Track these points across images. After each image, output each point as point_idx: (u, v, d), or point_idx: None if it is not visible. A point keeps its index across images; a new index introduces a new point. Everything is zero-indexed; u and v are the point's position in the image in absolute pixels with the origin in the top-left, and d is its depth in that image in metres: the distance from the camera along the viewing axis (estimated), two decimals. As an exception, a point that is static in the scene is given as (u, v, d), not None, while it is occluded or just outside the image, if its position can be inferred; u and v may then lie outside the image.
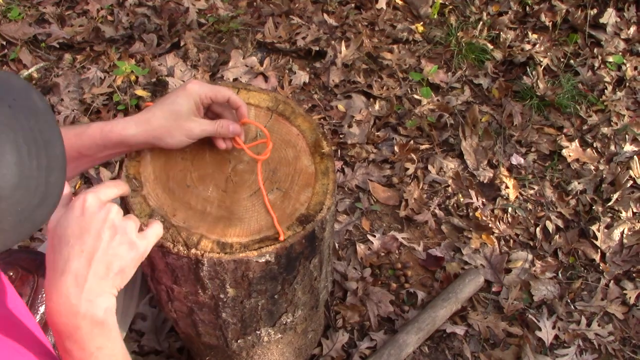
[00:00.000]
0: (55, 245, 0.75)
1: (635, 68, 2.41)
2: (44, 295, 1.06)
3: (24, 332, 0.78)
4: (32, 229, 0.65)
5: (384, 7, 2.58)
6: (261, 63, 2.39)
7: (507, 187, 2.04)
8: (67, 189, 0.83)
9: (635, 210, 2.00)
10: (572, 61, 2.43)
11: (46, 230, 1.23)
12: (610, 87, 2.33)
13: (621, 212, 1.99)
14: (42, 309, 1.05)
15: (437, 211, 1.99)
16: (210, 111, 1.07)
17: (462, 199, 2.01)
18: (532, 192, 2.05)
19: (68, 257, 0.74)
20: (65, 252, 0.74)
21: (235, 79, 2.31)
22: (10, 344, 0.72)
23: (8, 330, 0.74)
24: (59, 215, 0.78)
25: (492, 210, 1.99)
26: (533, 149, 2.16)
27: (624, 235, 1.94)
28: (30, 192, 0.62)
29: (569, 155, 2.12)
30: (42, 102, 0.67)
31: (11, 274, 1.03)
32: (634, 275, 1.87)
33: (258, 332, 1.19)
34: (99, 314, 0.74)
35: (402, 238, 1.92)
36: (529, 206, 2.02)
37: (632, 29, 2.52)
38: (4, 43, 2.41)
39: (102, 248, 0.75)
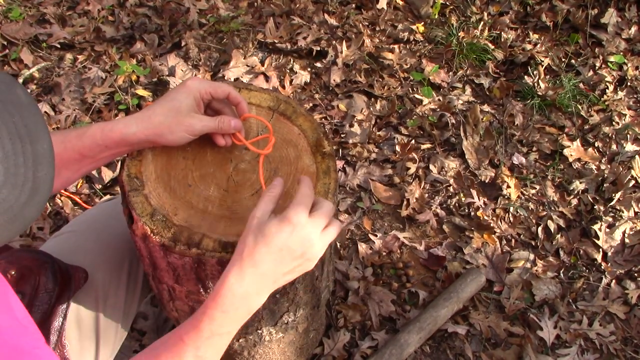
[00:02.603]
0: (258, 238, 0.83)
1: (637, 68, 2.41)
2: (44, 294, 1.06)
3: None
4: (23, 226, 0.64)
5: (385, 7, 2.58)
6: (262, 63, 2.39)
7: (508, 186, 2.04)
8: (278, 187, 0.91)
9: (637, 209, 2.00)
10: (573, 61, 2.43)
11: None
12: (611, 87, 2.33)
13: (623, 212, 1.99)
14: (42, 307, 1.05)
15: (438, 210, 1.99)
16: (209, 109, 1.07)
17: (463, 199, 2.01)
18: (533, 191, 2.05)
19: (263, 258, 0.83)
20: (263, 252, 0.83)
21: (236, 79, 2.31)
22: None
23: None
24: (267, 209, 0.87)
25: (494, 210, 1.99)
26: (534, 149, 2.16)
27: (626, 235, 1.93)
28: (17, 189, 0.61)
29: (571, 155, 2.12)
30: (27, 96, 0.66)
31: (13, 272, 1.03)
32: (635, 275, 1.87)
33: (259, 332, 1.19)
34: (255, 307, 0.85)
35: (404, 237, 1.92)
36: (531, 206, 2.01)
37: (633, 29, 2.51)
38: (5, 43, 2.42)
39: (291, 269, 0.86)
